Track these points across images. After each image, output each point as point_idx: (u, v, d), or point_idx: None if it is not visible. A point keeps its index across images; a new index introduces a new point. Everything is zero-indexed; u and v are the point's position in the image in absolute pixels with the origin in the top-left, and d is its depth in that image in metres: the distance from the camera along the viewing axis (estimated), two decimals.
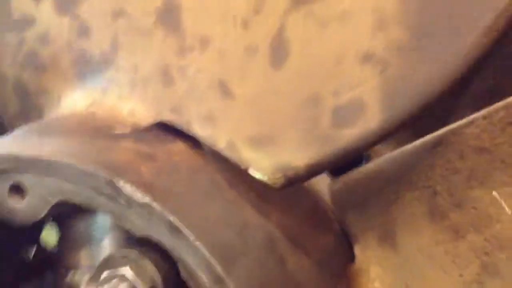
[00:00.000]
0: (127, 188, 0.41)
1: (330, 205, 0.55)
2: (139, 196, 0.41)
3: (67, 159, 0.43)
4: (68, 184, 0.43)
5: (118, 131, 0.50)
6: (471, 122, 0.48)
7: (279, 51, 0.46)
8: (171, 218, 0.40)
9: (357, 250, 0.54)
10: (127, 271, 0.41)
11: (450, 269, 0.49)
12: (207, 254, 0.39)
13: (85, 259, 0.55)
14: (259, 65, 0.47)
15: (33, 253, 0.57)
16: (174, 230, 0.40)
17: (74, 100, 0.58)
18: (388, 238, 0.52)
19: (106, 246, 0.53)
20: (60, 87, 0.60)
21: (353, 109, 0.43)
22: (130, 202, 0.41)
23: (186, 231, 0.40)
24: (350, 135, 0.44)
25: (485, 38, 0.41)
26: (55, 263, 0.56)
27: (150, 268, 0.41)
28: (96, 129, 0.50)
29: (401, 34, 0.43)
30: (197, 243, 0.40)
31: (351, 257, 0.54)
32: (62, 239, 0.55)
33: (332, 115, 0.44)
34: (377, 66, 0.43)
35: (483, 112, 0.47)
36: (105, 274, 0.41)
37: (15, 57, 0.64)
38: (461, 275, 0.48)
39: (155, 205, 0.40)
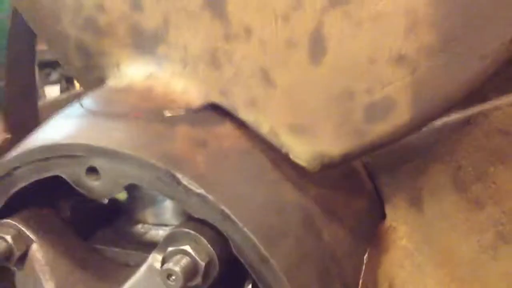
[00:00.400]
0: (185, 180, 0.48)
1: (363, 168, 0.61)
2: (195, 187, 0.48)
3: (132, 151, 0.50)
4: (134, 170, 0.51)
5: (173, 112, 0.56)
6: (499, 108, 0.51)
7: (317, 47, 0.49)
8: (222, 207, 0.48)
9: (387, 209, 0.60)
10: (188, 247, 0.49)
11: (469, 234, 0.55)
12: (253, 237, 0.47)
13: (150, 217, 0.64)
14: (299, 58, 0.50)
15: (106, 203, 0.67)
16: (225, 217, 0.48)
17: (132, 70, 0.64)
18: (415, 202, 0.58)
19: (168, 208, 0.62)
20: (118, 53, 0.65)
21: (384, 106, 0.48)
22: (187, 191, 0.48)
23: (234, 218, 0.47)
24: (380, 130, 0.48)
25: (510, 45, 0.43)
26: (126, 215, 0.66)
27: (207, 245, 0.49)
28: (153, 109, 0.57)
29: (431, 37, 0.45)
30: (244, 229, 0.47)
31: (382, 215, 0.60)
32: (130, 198, 0.64)
33: (364, 110, 0.48)
34: (408, 67, 0.46)
35: (509, 99, 0.50)
36: (169, 249, 0.50)
37: (75, 19, 0.69)
38: (478, 241, 0.55)
39: (209, 196, 0.48)
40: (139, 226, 0.65)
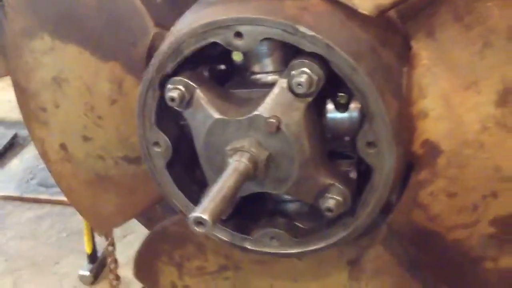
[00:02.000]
0: (301, 28, 0.83)
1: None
2: (308, 32, 0.82)
3: (267, 16, 0.84)
4: (266, 29, 0.85)
5: None
6: None
7: None
8: (327, 41, 0.82)
9: (413, 42, 0.95)
10: (306, 69, 0.84)
11: (465, 47, 0.90)
12: (347, 56, 0.82)
13: (260, 68, 0.98)
14: None
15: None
16: (329, 47, 0.82)
17: None
18: (430, 34, 0.93)
19: (271, 60, 0.96)
20: None
21: None
22: (304, 35, 0.83)
23: (335, 47, 0.82)
24: None
25: None
26: (241, 72, 1.00)
27: (316, 67, 0.84)
28: None
29: None
30: (342, 52, 0.82)
31: (410, 47, 0.95)
32: (245, 58, 0.98)
33: None
34: None
35: None
36: (293, 72, 0.85)
37: None
38: (470, 51, 0.90)
39: (318, 36, 0.82)
40: (253, 76, 1.00)
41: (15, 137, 3.96)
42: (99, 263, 2.63)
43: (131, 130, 1.18)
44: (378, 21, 0.91)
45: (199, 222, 0.78)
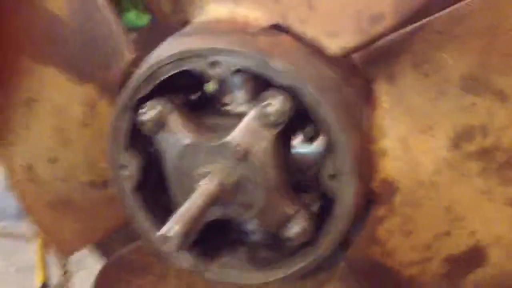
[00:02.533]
0: (274, 62, 0.88)
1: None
2: (279, 65, 0.88)
3: (241, 48, 0.89)
4: (239, 60, 0.90)
5: (253, 29, 0.95)
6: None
7: None
8: (295, 75, 0.88)
9: (373, 86, 1.01)
10: (275, 100, 0.89)
11: (423, 93, 0.97)
12: (312, 90, 0.88)
13: (230, 98, 1.03)
14: None
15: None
16: (297, 81, 0.88)
17: (214, 9, 1.01)
18: (391, 80, 0.99)
19: (243, 95, 1.01)
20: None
21: (375, 17, 0.89)
22: (275, 69, 0.88)
23: (303, 81, 0.88)
24: (375, 31, 0.90)
25: None
26: (213, 100, 1.05)
27: (285, 99, 0.89)
28: (239, 29, 0.95)
29: None
30: (309, 86, 0.88)
31: (371, 89, 1.02)
32: (217, 88, 1.03)
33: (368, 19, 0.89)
34: None
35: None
36: (262, 104, 0.90)
37: None
38: (429, 97, 0.97)
39: (288, 70, 0.88)
40: (225, 106, 1.04)
41: None
42: None
43: (100, 154, 1.20)
44: (342, 62, 0.97)
45: (164, 240, 0.80)
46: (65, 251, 1.42)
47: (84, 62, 1.10)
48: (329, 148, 0.91)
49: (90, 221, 1.29)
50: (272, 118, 0.90)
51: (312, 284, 1.20)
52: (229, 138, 0.93)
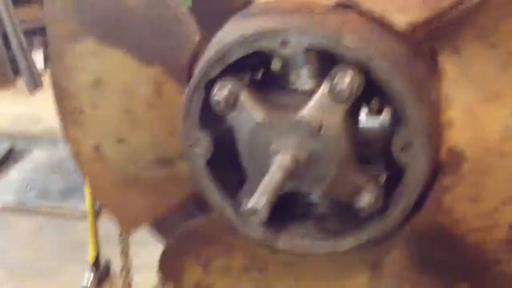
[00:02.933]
0: (346, 39, 0.90)
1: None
2: (351, 42, 0.90)
3: (312, 27, 0.91)
4: (311, 38, 0.92)
5: (321, 9, 0.97)
6: None
7: None
8: (368, 51, 0.90)
9: (439, 58, 1.03)
10: (348, 74, 0.91)
11: (488, 62, 0.98)
12: (385, 65, 0.90)
13: (295, 76, 1.05)
14: None
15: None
16: (369, 57, 0.90)
17: None
18: (455, 51, 1.01)
19: (308, 72, 1.03)
20: None
21: None
22: (347, 46, 0.90)
23: (375, 57, 0.90)
24: (447, 3, 0.91)
25: None
26: (279, 78, 1.07)
27: (356, 74, 0.92)
28: (307, 8, 0.97)
29: None
30: (381, 61, 0.90)
31: (436, 62, 1.03)
32: (283, 66, 1.05)
33: None
34: None
35: None
36: (335, 78, 0.92)
37: None
38: (495, 66, 0.98)
39: (360, 46, 0.90)
40: (291, 83, 1.07)
41: (11, 149, 3.99)
42: (102, 273, 2.65)
43: (166, 134, 1.24)
44: (409, 37, 0.99)
45: (253, 212, 0.84)
46: (130, 228, 1.48)
47: (152, 45, 1.13)
48: (402, 120, 0.93)
49: (156, 198, 1.34)
50: (344, 94, 0.92)
51: (374, 253, 1.24)
52: (302, 114, 0.96)
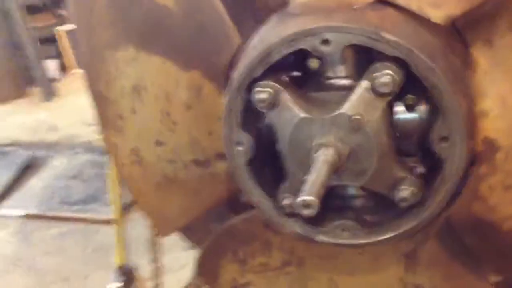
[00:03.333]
0: (386, 35, 0.94)
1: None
2: (392, 37, 0.94)
3: (353, 24, 0.95)
4: (352, 36, 0.96)
5: (359, 5, 1.00)
6: None
7: None
8: (408, 46, 0.94)
9: (472, 49, 1.06)
10: (389, 71, 0.95)
11: None
12: (424, 58, 0.93)
13: (335, 73, 1.09)
14: None
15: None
16: (409, 51, 0.94)
17: None
18: (487, 43, 1.04)
19: (346, 66, 1.07)
20: None
21: None
22: (388, 41, 0.94)
23: (415, 51, 0.94)
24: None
25: None
26: (316, 76, 1.11)
27: (397, 69, 0.95)
28: (345, 6, 1.01)
29: None
30: (421, 55, 0.94)
31: (470, 53, 1.07)
32: (320, 65, 1.09)
33: None
34: None
35: None
36: (375, 74, 0.96)
37: None
38: None
39: (400, 41, 0.94)
40: (328, 80, 1.10)
41: (32, 158, 4.05)
42: (128, 277, 2.69)
43: (203, 134, 1.28)
44: (445, 30, 1.02)
45: (306, 205, 0.88)
46: (166, 230, 1.51)
47: (191, 49, 1.17)
48: (441, 112, 0.97)
49: (195, 198, 1.38)
50: (385, 88, 0.96)
51: (410, 243, 1.27)
52: (343, 109, 1.00)
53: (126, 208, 2.92)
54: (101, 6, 1.23)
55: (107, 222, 2.98)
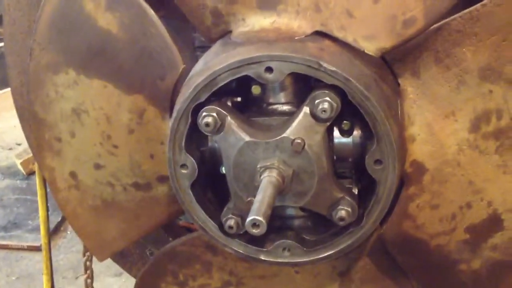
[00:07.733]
0: (323, 64, 1.00)
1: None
2: (331, 67, 1.00)
3: (294, 54, 1.01)
4: (294, 65, 1.02)
5: (299, 37, 1.06)
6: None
7: None
8: (345, 75, 1.00)
9: (400, 81, 1.15)
10: (327, 98, 1.01)
11: (443, 83, 1.12)
12: (360, 87, 1.01)
13: (276, 99, 1.14)
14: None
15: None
16: (347, 80, 1.00)
17: (256, 20, 1.12)
18: (415, 74, 1.13)
19: (286, 95, 1.13)
20: (244, 12, 1.13)
21: (410, 21, 1.02)
22: (326, 70, 1.00)
23: (351, 79, 1.00)
24: (409, 34, 1.03)
25: None
26: (258, 102, 1.16)
27: (335, 97, 1.02)
28: (287, 37, 1.07)
29: None
30: (356, 84, 1.00)
31: (398, 83, 1.16)
32: (262, 91, 1.14)
33: (402, 23, 1.03)
34: None
35: None
36: (316, 101, 1.02)
37: None
38: (449, 86, 1.12)
39: (338, 70, 1.00)
40: (270, 106, 1.15)
41: None
42: None
43: (144, 158, 1.29)
44: (377, 61, 1.11)
45: (255, 224, 0.91)
46: (106, 253, 1.49)
47: (134, 73, 1.19)
48: (375, 137, 1.04)
49: (134, 221, 1.37)
50: (325, 114, 1.02)
51: (344, 262, 1.34)
52: (286, 133, 1.05)
53: (53, 233, 2.82)
54: (41, 27, 1.22)
55: (33, 248, 2.86)
